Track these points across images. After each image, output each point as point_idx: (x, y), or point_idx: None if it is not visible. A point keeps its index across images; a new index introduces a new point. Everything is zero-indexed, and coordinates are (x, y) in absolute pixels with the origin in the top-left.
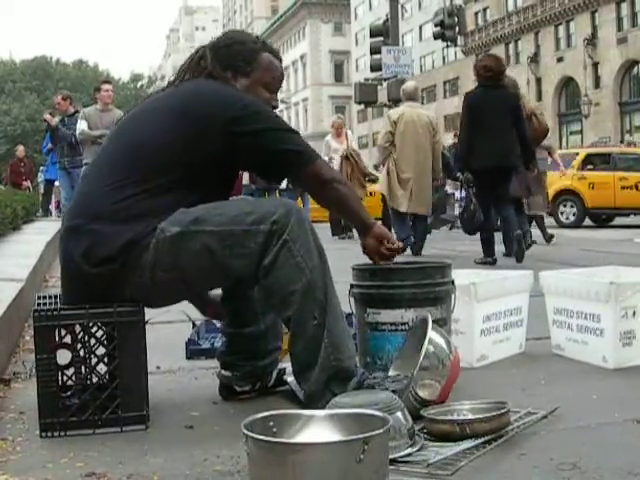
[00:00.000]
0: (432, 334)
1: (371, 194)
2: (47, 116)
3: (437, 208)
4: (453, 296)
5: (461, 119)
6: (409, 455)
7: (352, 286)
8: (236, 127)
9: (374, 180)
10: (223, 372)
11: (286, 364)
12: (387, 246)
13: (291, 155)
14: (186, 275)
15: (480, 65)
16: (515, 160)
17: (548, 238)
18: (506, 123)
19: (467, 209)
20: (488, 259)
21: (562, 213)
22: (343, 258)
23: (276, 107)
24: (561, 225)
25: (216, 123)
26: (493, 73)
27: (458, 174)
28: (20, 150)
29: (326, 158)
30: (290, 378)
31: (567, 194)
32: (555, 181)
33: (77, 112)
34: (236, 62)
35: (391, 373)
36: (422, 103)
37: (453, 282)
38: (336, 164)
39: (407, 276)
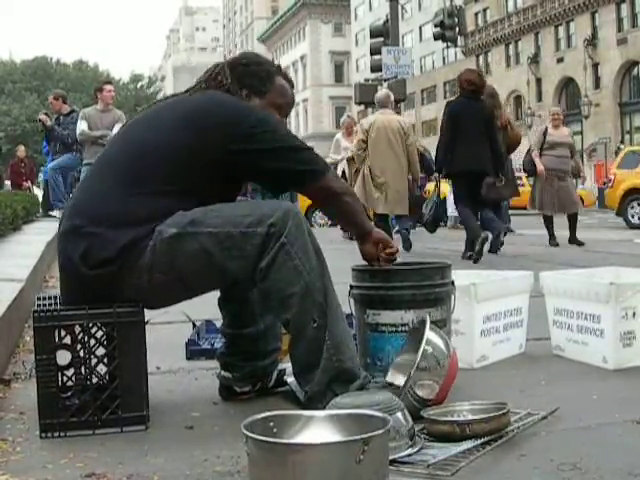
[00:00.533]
0: (431, 335)
1: None
2: (42, 116)
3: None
4: (453, 297)
5: (441, 125)
6: (409, 456)
7: (352, 287)
8: (245, 144)
9: None
10: (223, 373)
11: (286, 365)
12: (386, 251)
13: (299, 174)
14: (183, 277)
15: (464, 79)
16: (488, 166)
17: (552, 243)
18: (482, 132)
19: (433, 208)
20: (470, 253)
21: (632, 215)
22: (342, 258)
23: None
24: (631, 226)
25: (224, 137)
26: (476, 87)
27: (435, 174)
28: (21, 150)
29: (338, 157)
30: (290, 379)
31: (637, 193)
32: (625, 179)
33: (73, 111)
34: (252, 82)
35: (390, 374)
36: (422, 104)
37: (453, 283)
38: (342, 165)
39: (406, 277)
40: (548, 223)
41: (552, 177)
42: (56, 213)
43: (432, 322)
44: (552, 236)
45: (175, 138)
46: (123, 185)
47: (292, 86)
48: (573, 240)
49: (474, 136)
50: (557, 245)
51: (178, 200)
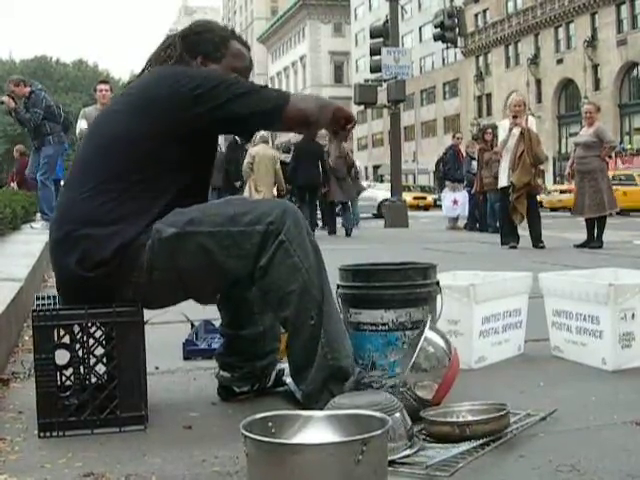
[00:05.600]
0: (432, 335)
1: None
2: (4, 98)
3: None
4: (439, 297)
5: (292, 157)
6: (407, 456)
7: (338, 286)
8: (200, 106)
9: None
10: (222, 373)
11: (285, 364)
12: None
13: (261, 116)
14: (183, 276)
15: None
16: (318, 180)
17: (581, 245)
18: (315, 160)
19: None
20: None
21: None
22: (336, 259)
23: None
24: None
25: (176, 109)
26: (311, 135)
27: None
28: (18, 150)
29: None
30: (289, 379)
31: None
32: None
33: (32, 93)
34: (206, 48)
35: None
36: (422, 104)
37: (438, 283)
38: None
39: (386, 277)
40: (587, 225)
41: (577, 179)
42: (39, 225)
43: (413, 322)
44: (588, 239)
45: (135, 126)
46: (100, 184)
47: (248, 49)
48: (583, 244)
49: (309, 163)
50: (584, 247)
51: (162, 189)
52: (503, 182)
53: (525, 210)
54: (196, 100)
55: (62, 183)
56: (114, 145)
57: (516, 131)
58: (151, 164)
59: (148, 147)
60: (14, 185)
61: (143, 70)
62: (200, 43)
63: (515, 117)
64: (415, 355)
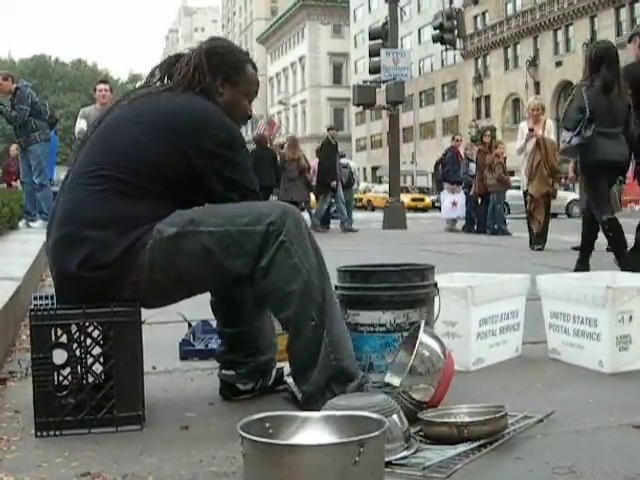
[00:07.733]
0: (426, 338)
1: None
2: None
3: None
4: (437, 299)
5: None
6: (404, 458)
7: (336, 287)
8: (224, 151)
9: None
10: (225, 372)
11: (284, 364)
12: None
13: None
14: (183, 275)
15: (258, 138)
16: (273, 182)
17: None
18: (270, 165)
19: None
20: None
21: None
22: (334, 260)
23: (251, 116)
24: None
25: (192, 150)
26: (265, 142)
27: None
28: (13, 149)
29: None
30: (290, 379)
31: None
32: None
33: (19, 89)
34: (227, 72)
35: (388, 375)
36: (421, 106)
37: (436, 285)
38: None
39: (385, 278)
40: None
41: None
42: (37, 224)
43: (410, 323)
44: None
45: (157, 140)
46: (110, 187)
47: (257, 71)
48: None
49: (265, 167)
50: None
51: (169, 197)
52: (525, 187)
53: (542, 217)
54: (211, 155)
55: (53, 182)
56: (126, 151)
57: (533, 138)
58: (159, 173)
59: (158, 160)
60: (17, 184)
61: (173, 86)
62: (222, 65)
63: (531, 130)
64: (412, 360)
